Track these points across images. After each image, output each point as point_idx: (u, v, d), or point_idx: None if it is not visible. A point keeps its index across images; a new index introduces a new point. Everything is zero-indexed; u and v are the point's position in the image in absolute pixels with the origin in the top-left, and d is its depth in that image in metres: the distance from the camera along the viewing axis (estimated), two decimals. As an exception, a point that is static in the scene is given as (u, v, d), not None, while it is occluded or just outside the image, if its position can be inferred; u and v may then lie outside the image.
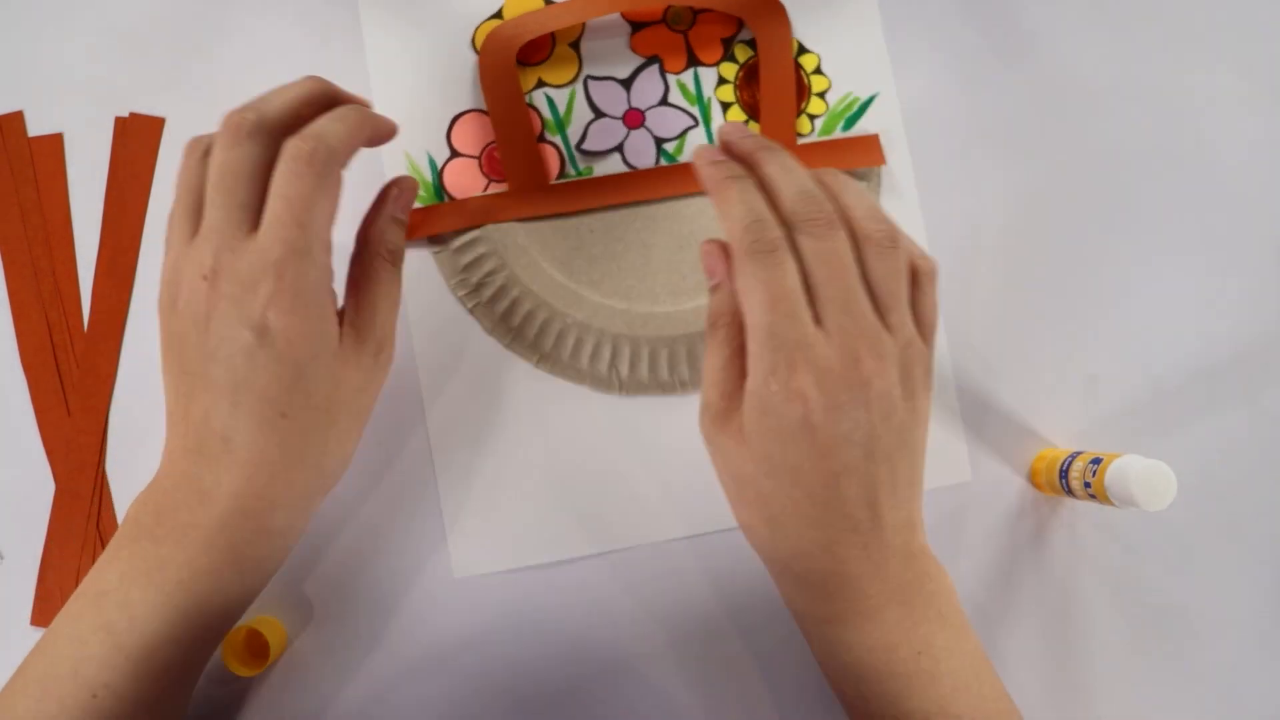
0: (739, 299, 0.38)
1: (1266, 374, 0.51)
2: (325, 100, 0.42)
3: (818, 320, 0.37)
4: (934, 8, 0.52)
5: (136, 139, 0.51)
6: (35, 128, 0.51)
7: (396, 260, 0.44)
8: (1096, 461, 0.45)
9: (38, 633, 0.48)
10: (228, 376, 0.38)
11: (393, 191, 0.44)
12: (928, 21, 0.52)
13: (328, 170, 0.39)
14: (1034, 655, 0.50)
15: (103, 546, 0.48)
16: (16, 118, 0.51)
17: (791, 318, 0.37)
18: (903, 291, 0.38)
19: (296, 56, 0.51)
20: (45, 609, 0.48)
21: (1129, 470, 0.43)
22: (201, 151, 0.40)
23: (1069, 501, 0.50)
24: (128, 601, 0.39)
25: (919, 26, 0.52)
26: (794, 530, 0.39)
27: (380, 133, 0.43)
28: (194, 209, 0.39)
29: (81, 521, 0.48)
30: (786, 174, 0.39)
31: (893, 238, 0.38)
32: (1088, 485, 0.45)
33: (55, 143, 0.51)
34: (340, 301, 0.42)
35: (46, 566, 0.48)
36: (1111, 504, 0.44)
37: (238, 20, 0.51)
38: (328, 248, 0.39)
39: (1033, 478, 0.50)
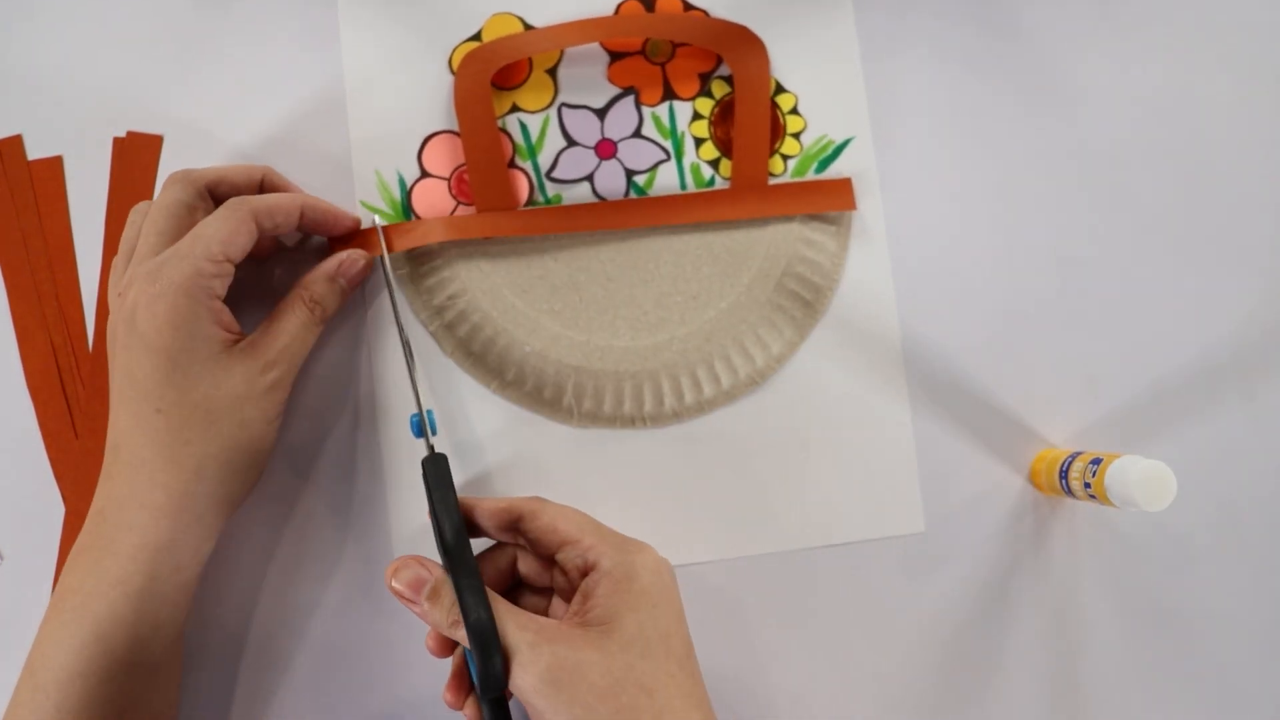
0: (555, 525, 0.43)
1: (1266, 374, 0.51)
2: (265, 183, 0.48)
3: None
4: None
5: (135, 158, 0.51)
6: (34, 150, 0.51)
7: (315, 311, 0.47)
8: (1096, 462, 0.46)
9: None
10: (118, 378, 0.42)
11: (341, 254, 0.48)
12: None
13: (240, 214, 0.44)
14: (1034, 655, 0.50)
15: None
16: (15, 141, 0.51)
17: None
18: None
19: (275, 69, 0.51)
20: (59, 632, 0.49)
21: (1129, 471, 0.43)
22: (140, 212, 0.46)
23: (1069, 502, 0.51)
24: (40, 640, 0.41)
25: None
26: None
27: (327, 219, 0.48)
28: (129, 255, 0.45)
29: (92, 543, 0.49)
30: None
31: None
32: (1088, 486, 0.46)
33: (55, 165, 0.51)
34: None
35: (59, 589, 0.49)
36: (1111, 504, 0.45)
37: (225, 37, 0.51)
38: (218, 264, 0.43)
39: (1032, 478, 0.51)
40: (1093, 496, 0.46)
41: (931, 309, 0.51)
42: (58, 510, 0.49)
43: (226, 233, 0.43)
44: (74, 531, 0.49)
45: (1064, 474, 0.48)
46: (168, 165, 0.51)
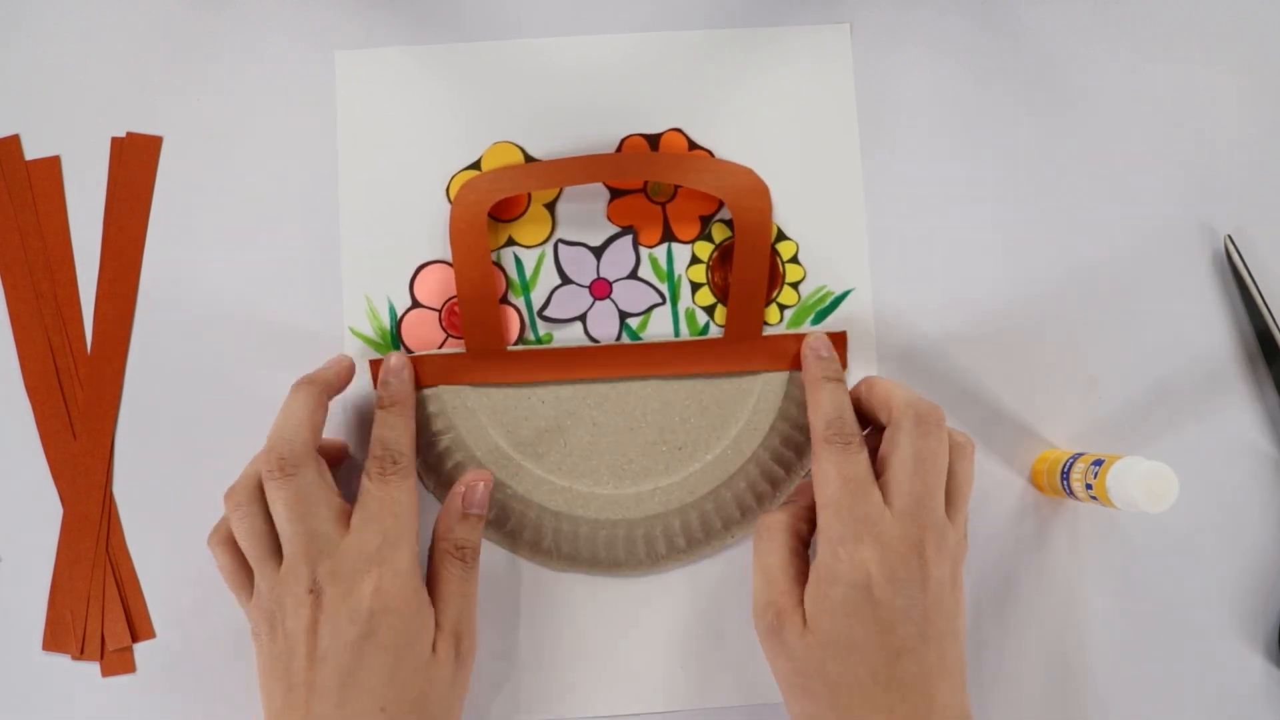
0: (813, 484, 0.44)
1: (1267, 375, 0.51)
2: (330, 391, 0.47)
3: (887, 503, 0.42)
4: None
5: (134, 158, 0.51)
6: (32, 151, 0.51)
7: (466, 556, 0.45)
8: (1098, 463, 0.45)
9: (49, 657, 0.48)
10: (336, 677, 0.41)
11: (463, 488, 0.46)
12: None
13: (405, 475, 0.44)
14: (1034, 655, 0.50)
15: (113, 569, 0.49)
16: (13, 141, 0.51)
17: (861, 496, 0.42)
18: (970, 493, 0.44)
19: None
20: (56, 633, 0.48)
21: (1131, 472, 0.43)
22: (241, 502, 0.43)
23: (1070, 503, 0.51)
24: None
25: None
26: (858, 716, 0.41)
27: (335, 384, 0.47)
28: (272, 550, 0.43)
29: (90, 545, 0.49)
30: (898, 386, 0.45)
31: (971, 444, 0.45)
32: (1089, 487, 0.46)
33: (53, 165, 0.51)
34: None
35: (56, 590, 0.49)
36: (1113, 506, 0.44)
37: (225, 39, 0.51)
38: (417, 537, 0.44)
39: (1034, 479, 0.51)
40: (1094, 498, 0.46)
41: (932, 311, 0.51)
42: (56, 511, 0.49)
43: (416, 505, 0.44)
44: (73, 533, 0.49)
45: (1065, 475, 0.48)
46: (166, 166, 0.51)
